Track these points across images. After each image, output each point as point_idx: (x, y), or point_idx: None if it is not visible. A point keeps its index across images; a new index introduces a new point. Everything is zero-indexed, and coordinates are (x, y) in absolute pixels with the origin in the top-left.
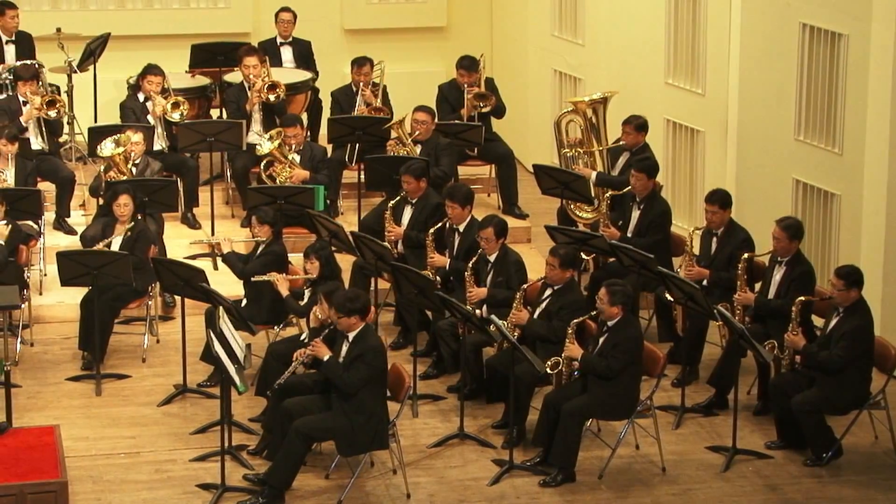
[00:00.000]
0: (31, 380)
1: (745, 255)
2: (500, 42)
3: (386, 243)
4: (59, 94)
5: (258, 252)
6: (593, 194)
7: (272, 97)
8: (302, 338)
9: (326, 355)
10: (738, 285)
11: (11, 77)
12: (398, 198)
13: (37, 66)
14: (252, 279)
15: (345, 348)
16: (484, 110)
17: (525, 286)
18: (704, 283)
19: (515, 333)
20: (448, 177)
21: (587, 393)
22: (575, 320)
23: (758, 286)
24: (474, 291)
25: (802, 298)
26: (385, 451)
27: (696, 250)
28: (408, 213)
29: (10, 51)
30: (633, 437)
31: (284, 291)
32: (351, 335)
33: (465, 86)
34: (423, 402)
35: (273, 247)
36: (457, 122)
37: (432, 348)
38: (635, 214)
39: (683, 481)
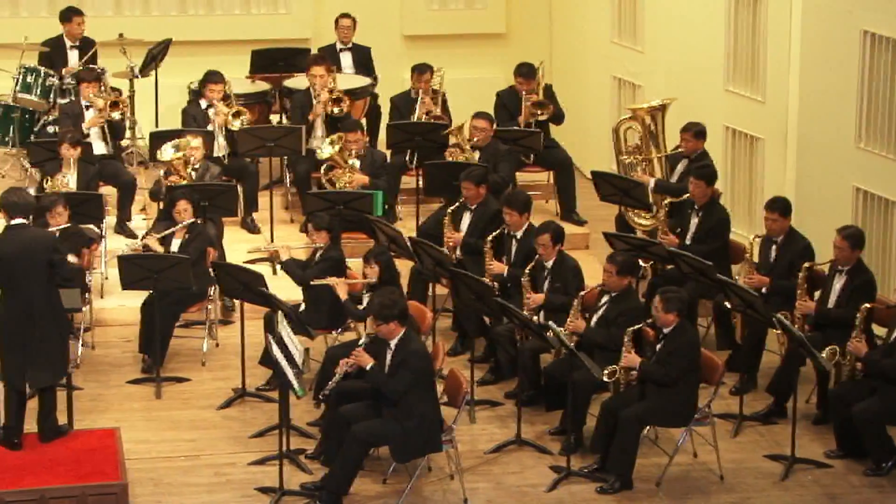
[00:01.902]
0: (92, 382)
1: (806, 265)
2: (560, 48)
3: (444, 249)
4: (122, 96)
5: (316, 258)
6: (651, 201)
7: (336, 110)
8: (360, 342)
9: (369, 364)
10: (798, 294)
11: (74, 82)
12: (457, 204)
13: (100, 70)
14: (311, 283)
15: (389, 355)
16: (542, 118)
17: (582, 293)
18: (763, 290)
19: (573, 340)
20: (506, 183)
21: (645, 400)
22: (631, 328)
23: (817, 294)
24: (532, 297)
25: (868, 305)
26: (442, 456)
27: (756, 258)
28: (467, 219)
29: (73, 56)
30: (690, 445)
31: (343, 295)
32: (392, 342)
33: (524, 93)
34: (480, 407)
35: (331, 252)
36: (516, 128)
37: (490, 354)
38: (694, 221)
39: (742, 490)
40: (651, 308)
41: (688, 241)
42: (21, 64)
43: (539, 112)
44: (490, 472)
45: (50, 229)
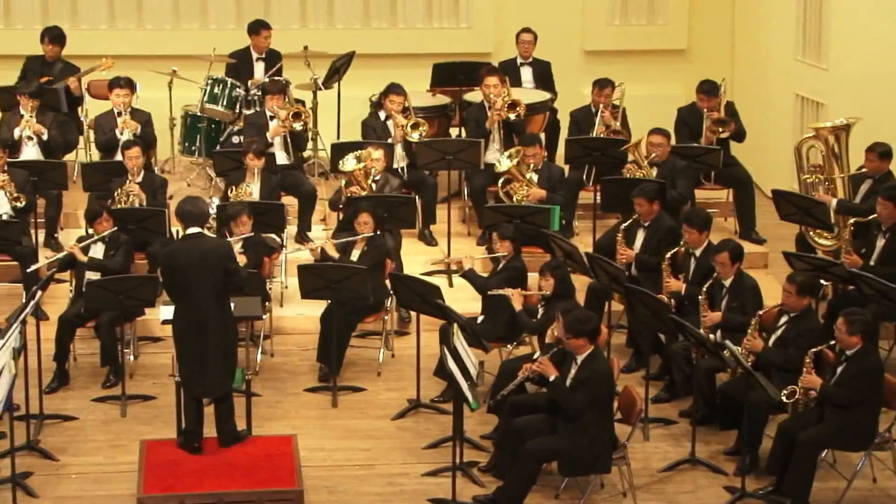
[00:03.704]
0: (270, 389)
1: None
2: (742, 65)
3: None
4: (305, 108)
5: (499, 268)
6: (833, 221)
7: (512, 115)
8: (535, 356)
9: (553, 375)
10: None
11: (260, 93)
12: (631, 220)
13: (284, 81)
14: (489, 292)
15: (573, 369)
16: (723, 136)
17: (761, 312)
18: None
19: (750, 360)
20: (685, 200)
21: (823, 422)
22: (813, 349)
23: None
24: (709, 316)
25: None
26: (616, 473)
27: None
28: (640, 235)
29: (259, 68)
30: (870, 470)
31: (518, 306)
32: (579, 357)
33: (705, 111)
34: (654, 425)
35: (514, 262)
36: (695, 145)
37: (665, 372)
38: (880, 243)
39: None
40: (831, 329)
41: (872, 263)
42: (209, 75)
43: (721, 129)
44: (663, 490)
45: (233, 238)
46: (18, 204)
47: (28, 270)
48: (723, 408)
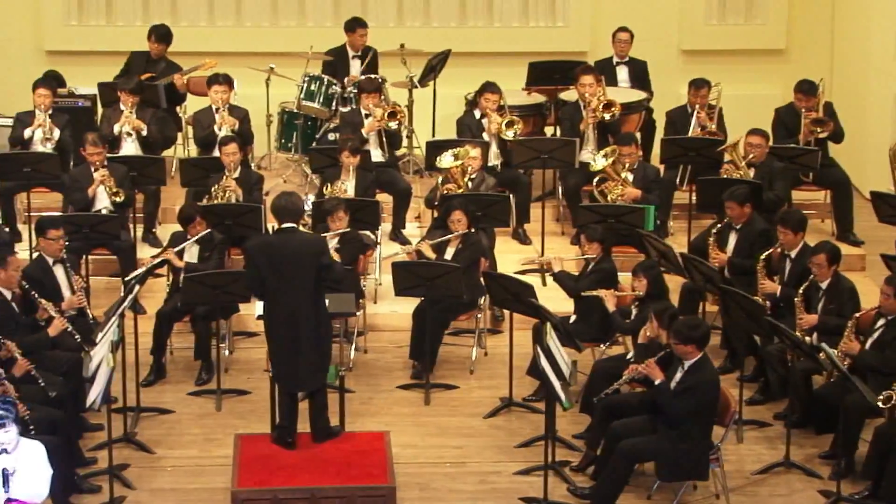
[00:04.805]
0: (363, 386)
1: None
2: (841, 66)
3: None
4: (400, 107)
5: (589, 269)
6: None
7: (607, 116)
8: (628, 357)
9: (659, 378)
10: None
11: (356, 91)
12: (722, 223)
13: (380, 80)
14: (582, 294)
15: (679, 374)
16: (821, 136)
17: (858, 315)
18: None
19: (846, 363)
20: (781, 201)
21: None
22: None
23: None
24: (805, 318)
25: None
26: (709, 474)
27: None
28: (732, 238)
29: (355, 65)
30: None
31: (611, 307)
32: (687, 363)
33: (803, 111)
34: (748, 427)
35: (603, 264)
36: (793, 146)
37: (759, 374)
38: None
39: None
40: None
41: None
42: (306, 72)
43: (819, 130)
44: (757, 493)
45: (329, 233)
46: (118, 199)
47: (125, 280)
48: (818, 411)
